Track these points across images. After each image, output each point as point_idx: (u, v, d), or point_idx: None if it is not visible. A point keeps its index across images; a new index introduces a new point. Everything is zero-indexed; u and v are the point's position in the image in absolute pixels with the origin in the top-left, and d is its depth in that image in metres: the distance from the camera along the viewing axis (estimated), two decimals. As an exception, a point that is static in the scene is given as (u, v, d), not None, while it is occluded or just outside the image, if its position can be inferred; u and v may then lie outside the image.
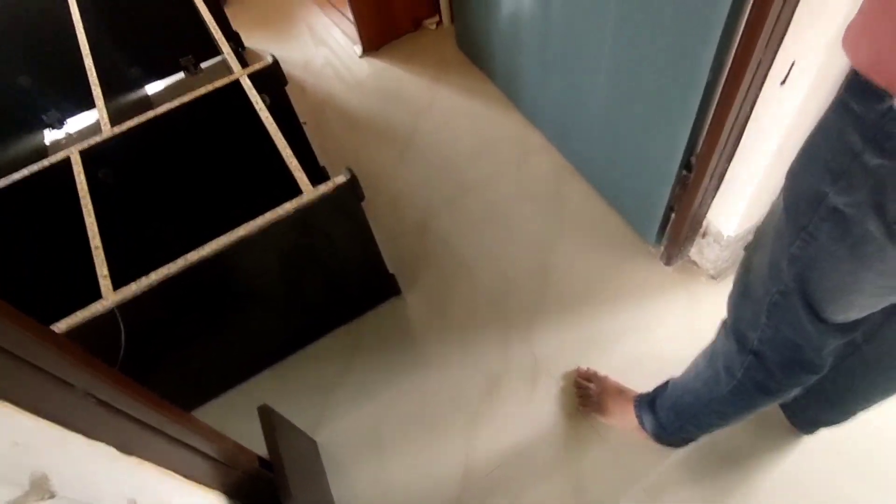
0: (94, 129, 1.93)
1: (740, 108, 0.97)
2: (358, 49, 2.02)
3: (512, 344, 1.29)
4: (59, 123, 1.92)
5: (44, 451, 0.57)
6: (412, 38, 2.04)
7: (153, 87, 2.04)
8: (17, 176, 1.13)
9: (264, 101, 1.17)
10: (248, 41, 2.19)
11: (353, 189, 1.00)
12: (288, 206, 0.96)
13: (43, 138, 1.90)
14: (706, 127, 1.07)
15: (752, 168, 1.06)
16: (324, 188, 0.98)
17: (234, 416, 1.26)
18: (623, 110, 1.23)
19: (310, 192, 0.98)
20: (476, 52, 1.85)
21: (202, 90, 1.19)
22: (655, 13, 1.00)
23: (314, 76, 2.02)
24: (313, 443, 1.19)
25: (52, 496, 0.54)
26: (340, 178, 0.99)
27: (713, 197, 1.21)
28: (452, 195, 1.58)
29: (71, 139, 1.92)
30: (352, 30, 1.99)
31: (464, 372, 1.27)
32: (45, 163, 1.13)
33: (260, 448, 0.96)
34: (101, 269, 0.94)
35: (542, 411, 1.19)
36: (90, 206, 1.04)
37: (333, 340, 1.35)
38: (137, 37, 1.84)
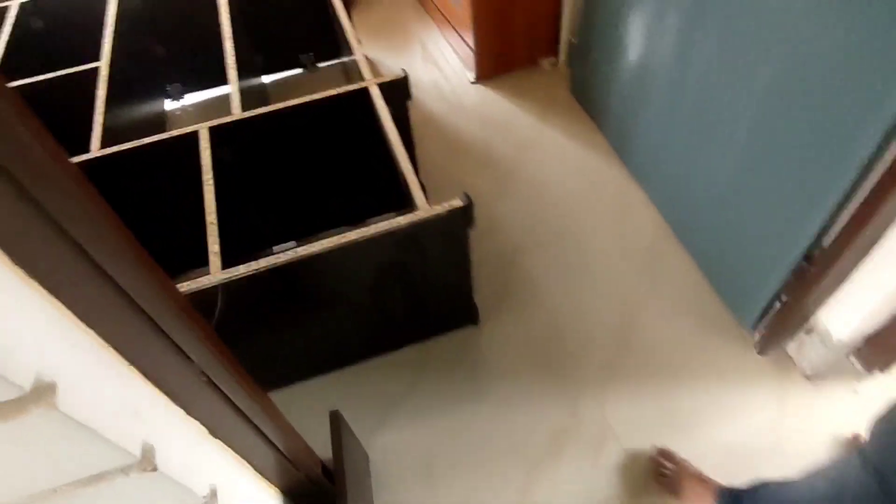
0: (212, 106, 2.03)
1: (889, 212, 0.91)
2: (471, 75, 2.04)
3: (583, 401, 1.24)
4: (178, 95, 2.02)
5: (154, 423, 0.57)
6: (526, 73, 2.05)
7: (268, 77, 2.12)
8: (146, 140, 1.18)
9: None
10: (363, 48, 2.25)
11: (466, 215, 1.00)
12: (402, 221, 0.96)
13: (163, 106, 2.00)
14: (841, 223, 1.01)
15: (886, 277, 0.99)
16: (439, 209, 0.98)
17: (294, 411, 1.25)
18: (748, 187, 1.18)
19: (425, 210, 0.98)
20: (588, 100, 1.84)
21: (332, 91, 1.22)
22: (815, 95, 0.96)
23: (421, 93, 2.05)
24: (366, 456, 1.17)
25: (155, 469, 0.54)
26: (456, 202, 0.98)
27: (830, 294, 1.13)
28: (545, 236, 1.56)
29: (186, 112, 2.02)
30: (468, 55, 2.02)
31: (529, 418, 1.22)
32: (175, 133, 1.18)
33: (314, 447, 0.95)
34: (213, 245, 0.97)
35: (606, 480, 1.13)
36: (211, 182, 1.07)
37: (403, 356, 1.34)
38: (267, 28, 1.92)
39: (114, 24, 1.55)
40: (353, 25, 2.13)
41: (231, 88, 1.29)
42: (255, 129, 1.23)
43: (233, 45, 1.43)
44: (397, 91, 1.26)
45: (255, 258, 1.37)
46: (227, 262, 0.96)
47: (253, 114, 1.20)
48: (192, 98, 2.06)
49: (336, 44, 2.01)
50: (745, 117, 1.13)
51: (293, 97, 2.05)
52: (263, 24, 1.90)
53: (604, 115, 1.76)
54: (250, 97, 1.63)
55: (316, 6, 1.88)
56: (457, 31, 2.09)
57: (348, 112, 1.27)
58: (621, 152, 1.71)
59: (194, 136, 1.17)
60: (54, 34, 1.70)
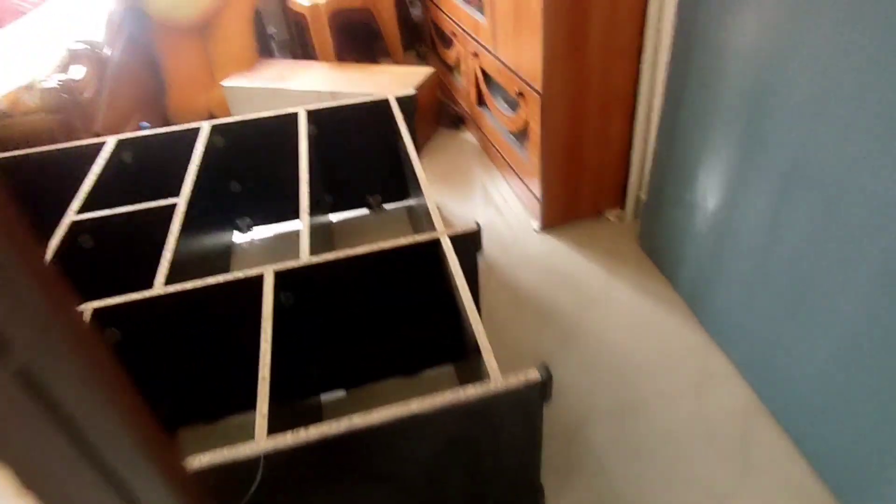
0: (279, 240, 2.06)
1: None
2: (535, 223, 2.02)
3: None
4: (247, 229, 2.07)
5: None
6: (591, 224, 2.02)
7: (335, 216, 2.16)
8: (210, 281, 1.15)
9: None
10: (430, 192, 2.30)
11: (543, 389, 0.88)
12: (471, 392, 0.86)
13: (231, 238, 2.04)
14: None
15: None
16: (514, 382, 0.87)
17: None
18: (861, 363, 1.03)
19: (498, 381, 0.87)
20: (659, 254, 1.77)
21: (403, 241, 1.19)
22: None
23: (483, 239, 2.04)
24: None
25: None
26: (534, 375, 0.88)
27: None
28: (614, 407, 1.40)
29: (253, 246, 2.05)
30: (533, 203, 2.02)
31: None
32: (240, 275, 1.16)
33: None
34: (262, 406, 0.88)
35: None
36: (269, 332, 1.01)
37: (453, 542, 1.16)
38: (338, 169, 1.99)
39: (198, 162, 1.63)
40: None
41: (302, 229, 1.29)
42: (320, 274, 1.19)
43: (308, 188, 1.46)
44: (468, 243, 1.21)
45: (301, 405, 1.27)
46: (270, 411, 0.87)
47: (321, 259, 1.17)
48: (261, 232, 2.11)
49: (402, 186, 2.06)
50: (853, 292, 1.01)
51: (358, 237, 2.07)
52: (335, 165, 1.98)
53: (677, 272, 1.67)
54: (316, 235, 1.63)
55: (388, 151, 1.95)
56: (522, 180, 2.12)
57: (415, 260, 1.23)
58: (698, 312, 1.59)
59: (259, 279, 1.13)
60: (142, 169, 1.80)
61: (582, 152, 1.85)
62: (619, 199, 2.02)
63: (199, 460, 0.80)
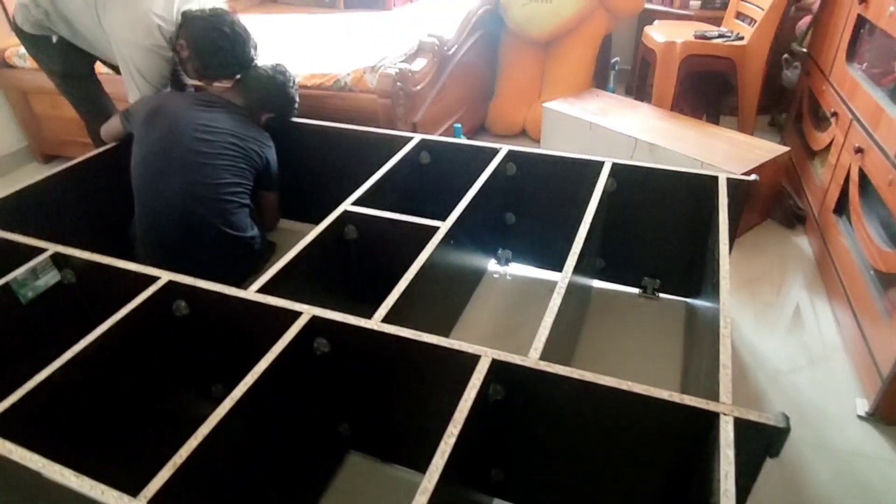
0: (528, 285, 1.87)
1: None
2: (863, 405, 1.43)
3: None
4: (505, 262, 1.93)
5: None
6: (960, 446, 1.34)
7: (599, 283, 1.88)
8: (426, 339, 1.00)
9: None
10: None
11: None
12: None
13: (487, 265, 1.93)
14: None
15: None
16: None
17: None
18: None
19: None
20: None
21: (665, 396, 0.85)
22: None
23: (767, 384, 1.52)
24: None
25: None
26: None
27: None
28: None
29: (504, 279, 1.90)
30: (870, 376, 1.42)
31: None
32: (456, 346, 0.98)
33: None
34: (431, 480, 0.67)
35: None
36: (465, 413, 0.80)
37: None
38: (625, 237, 1.70)
39: (480, 187, 1.52)
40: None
41: (556, 292, 1.07)
42: (543, 384, 0.94)
43: (583, 246, 1.23)
44: (761, 440, 0.82)
45: (468, 496, 1.06)
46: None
47: (552, 370, 0.92)
48: (518, 269, 1.95)
49: (692, 281, 1.67)
50: None
51: (615, 319, 1.75)
52: (621, 231, 1.69)
53: None
54: (571, 298, 1.39)
55: (692, 234, 1.58)
56: (863, 335, 1.52)
57: (671, 423, 0.89)
58: None
59: (473, 361, 0.94)
60: (434, 172, 1.79)
61: None
62: None
63: None
